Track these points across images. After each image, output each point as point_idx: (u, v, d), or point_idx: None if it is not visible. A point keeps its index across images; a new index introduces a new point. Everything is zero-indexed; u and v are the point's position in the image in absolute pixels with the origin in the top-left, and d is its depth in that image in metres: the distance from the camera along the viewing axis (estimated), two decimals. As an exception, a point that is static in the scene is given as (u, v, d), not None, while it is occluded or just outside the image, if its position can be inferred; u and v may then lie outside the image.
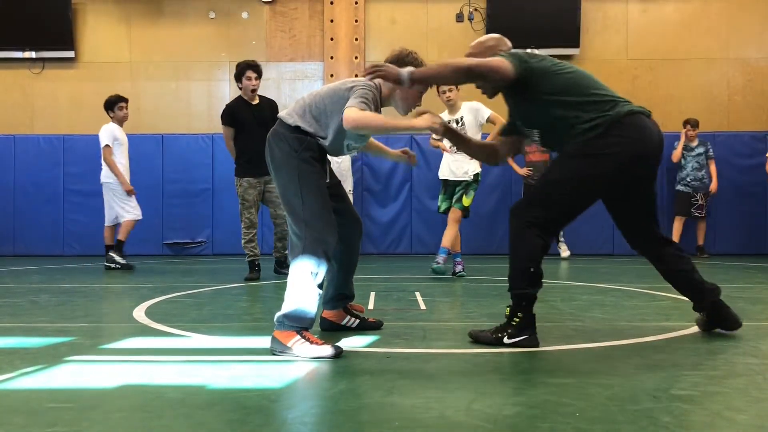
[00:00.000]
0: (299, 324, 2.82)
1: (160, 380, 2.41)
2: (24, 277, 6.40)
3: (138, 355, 2.85)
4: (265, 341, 3.06)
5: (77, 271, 7.17)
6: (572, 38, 9.67)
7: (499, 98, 3.34)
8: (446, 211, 6.55)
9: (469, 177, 6.40)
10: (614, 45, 9.90)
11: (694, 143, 8.98)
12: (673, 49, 9.85)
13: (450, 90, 6.40)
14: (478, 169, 6.42)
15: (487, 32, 9.74)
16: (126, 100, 7.80)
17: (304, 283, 2.83)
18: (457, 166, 6.46)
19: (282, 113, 3.08)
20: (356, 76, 9.87)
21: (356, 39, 9.88)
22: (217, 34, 10.01)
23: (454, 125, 6.49)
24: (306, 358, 2.70)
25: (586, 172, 2.93)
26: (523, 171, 8.48)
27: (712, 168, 8.98)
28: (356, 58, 9.87)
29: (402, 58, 3.13)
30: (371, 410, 1.99)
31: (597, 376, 2.43)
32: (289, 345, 2.77)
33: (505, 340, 2.94)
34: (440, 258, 6.24)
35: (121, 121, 7.77)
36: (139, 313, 3.97)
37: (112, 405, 2.05)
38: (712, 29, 9.87)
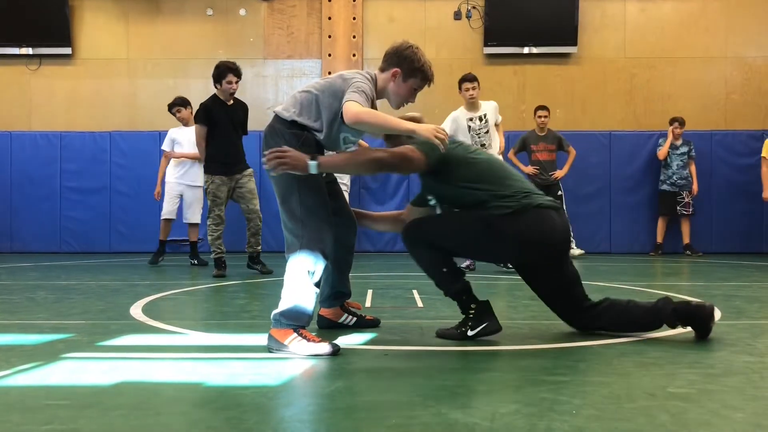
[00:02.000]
0: (296, 322, 2.82)
1: (157, 377, 2.41)
2: (21, 274, 6.39)
3: (135, 353, 2.84)
4: (262, 339, 3.06)
5: (74, 268, 7.16)
6: (570, 36, 9.67)
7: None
8: None
9: None
10: (612, 43, 9.90)
11: (679, 142, 9.01)
12: (671, 48, 9.85)
13: (474, 88, 6.51)
14: None
15: (485, 31, 9.82)
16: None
17: (301, 282, 2.82)
18: None
19: (277, 108, 3.05)
20: (354, 73, 9.87)
21: (354, 36, 9.87)
22: (215, 31, 9.99)
23: (477, 122, 6.54)
24: (303, 355, 2.70)
25: (485, 240, 3.04)
26: (529, 169, 8.41)
27: (692, 169, 9.02)
28: (354, 55, 9.86)
29: (401, 52, 3.08)
30: (368, 408, 1.99)
31: (594, 374, 2.44)
32: (285, 343, 2.77)
33: (469, 333, 3.04)
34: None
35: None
36: (136, 311, 3.96)
37: (108, 402, 2.05)
38: (710, 28, 9.88)
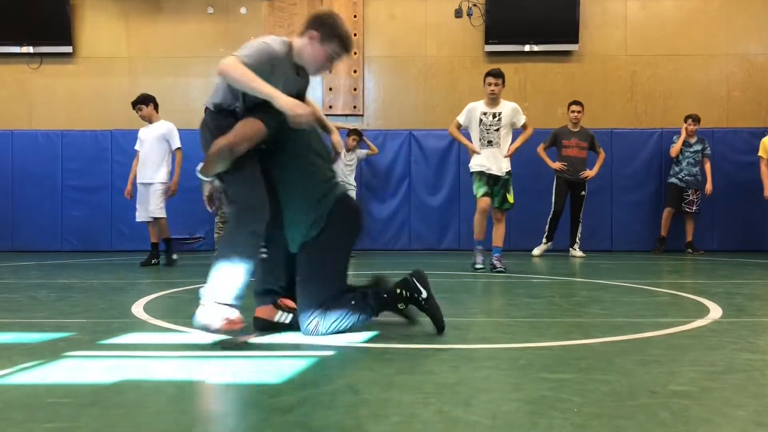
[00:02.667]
0: (223, 300, 2.88)
1: (158, 376, 2.41)
2: (22, 273, 6.40)
3: (136, 351, 2.85)
4: (264, 337, 3.07)
5: (75, 266, 7.17)
6: (571, 34, 9.66)
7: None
8: (485, 195, 6.51)
9: (503, 174, 6.52)
10: (613, 41, 9.89)
11: (693, 139, 8.92)
12: (673, 45, 9.84)
13: (496, 84, 6.48)
14: (509, 166, 6.58)
15: (486, 28, 9.80)
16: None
17: (231, 265, 2.89)
18: (490, 163, 6.51)
19: (206, 101, 3.11)
20: (354, 72, 9.86)
21: (355, 34, 9.86)
22: (216, 29, 9.99)
23: (490, 118, 6.52)
24: (217, 331, 2.83)
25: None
26: (556, 165, 8.40)
27: (707, 167, 8.91)
28: (355, 53, 9.86)
29: (322, 17, 3.14)
30: (370, 405, 1.99)
31: (595, 371, 2.43)
32: (206, 319, 2.85)
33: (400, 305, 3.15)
34: (495, 258, 6.45)
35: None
36: (138, 309, 3.97)
37: (110, 400, 2.05)
38: (712, 25, 9.86)
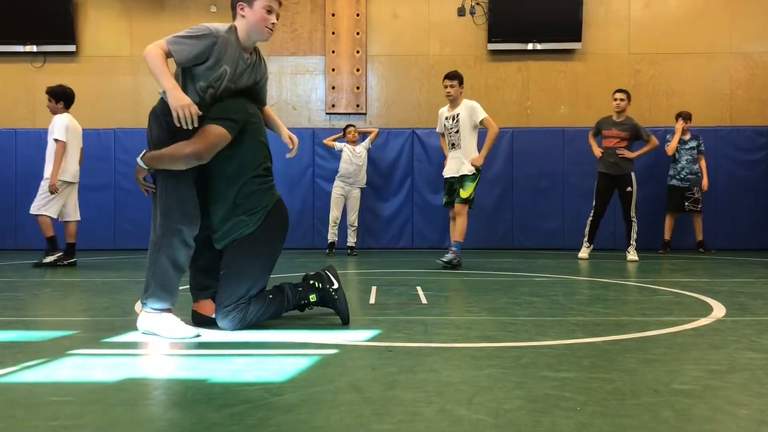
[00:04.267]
0: (160, 306, 3.05)
1: (161, 374, 2.41)
2: (26, 271, 6.41)
3: (139, 349, 2.85)
4: (266, 335, 3.07)
5: (79, 265, 7.18)
6: (574, 32, 9.64)
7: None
8: (447, 205, 6.78)
9: (462, 173, 6.57)
10: (616, 39, 9.87)
11: (687, 136, 8.84)
12: (676, 44, 9.82)
13: (451, 86, 6.55)
14: (471, 169, 6.55)
15: (489, 27, 9.80)
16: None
17: (160, 267, 3.03)
18: (451, 166, 6.71)
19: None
20: (357, 71, 9.86)
21: (358, 33, 9.86)
22: (219, 28, 9.98)
23: (450, 121, 6.60)
24: (165, 336, 2.98)
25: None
26: (598, 152, 7.97)
27: (702, 163, 8.80)
28: (358, 52, 9.86)
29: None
30: (373, 404, 1.99)
31: (598, 370, 2.43)
32: (149, 326, 3.05)
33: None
34: (451, 252, 6.48)
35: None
36: (141, 307, 3.97)
37: (113, 399, 2.05)
38: (715, 23, 9.84)
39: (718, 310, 3.83)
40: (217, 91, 3.13)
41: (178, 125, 2.96)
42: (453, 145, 6.65)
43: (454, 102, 6.64)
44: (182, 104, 2.91)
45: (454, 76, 6.61)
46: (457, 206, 6.56)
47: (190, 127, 2.95)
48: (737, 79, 9.85)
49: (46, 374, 2.38)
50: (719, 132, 9.46)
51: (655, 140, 8.01)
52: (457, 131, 6.59)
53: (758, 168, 9.45)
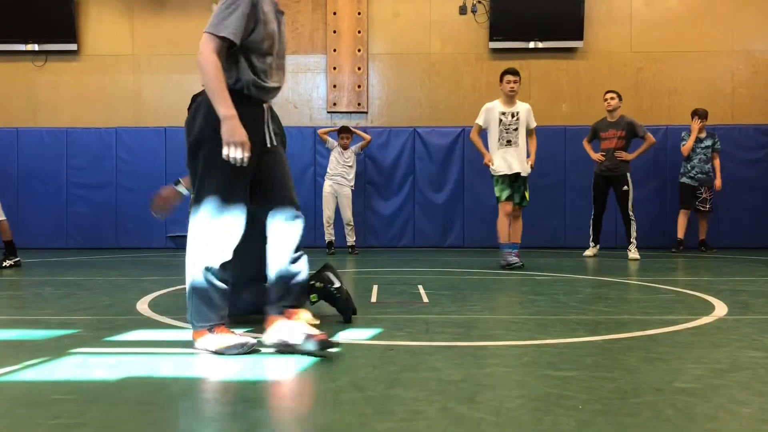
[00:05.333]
0: (206, 322, 2.72)
1: (163, 372, 2.41)
2: (28, 270, 6.42)
3: (141, 348, 2.85)
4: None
5: (80, 263, 7.19)
6: (576, 31, 9.63)
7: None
8: (511, 198, 6.59)
9: (526, 173, 6.60)
10: (618, 37, 9.86)
11: (703, 134, 8.70)
12: (678, 42, 9.81)
13: (515, 82, 6.53)
14: (529, 171, 6.64)
15: (491, 25, 9.79)
16: None
17: (204, 286, 2.71)
18: (512, 162, 6.54)
19: None
20: (358, 69, 9.86)
21: (359, 31, 9.85)
22: (220, 26, 9.98)
23: (509, 117, 6.53)
24: (214, 350, 2.65)
25: None
26: (596, 156, 8.05)
27: (716, 162, 8.66)
28: (359, 50, 9.85)
29: None
30: (374, 403, 1.99)
31: (600, 369, 2.43)
32: (200, 342, 2.71)
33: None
34: (514, 254, 6.48)
35: None
36: (143, 306, 3.98)
37: (115, 397, 2.06)
38: (717, 21, 9.82)
39: (720, 309, 3.82)
40: (274, 58, 2.82)
41: (224, 159, 2.62)
42: (509, 142, 6.52)
43: (512, 99, 6.61)
44: (237, 140, 2.59)
45: (517, 72, 6.59)
46: (518, 209, 6.63)
47: (238, 165, 2.64)
48: (739, 77, 9.83)
49: (48, 373, 2.38)
50: (721, 130, 9.43)
51: (651, 138, 7.99)
52: (516, 129, 6.54)
53: (760, 166, 9.44)
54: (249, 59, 2.76)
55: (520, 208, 6.65)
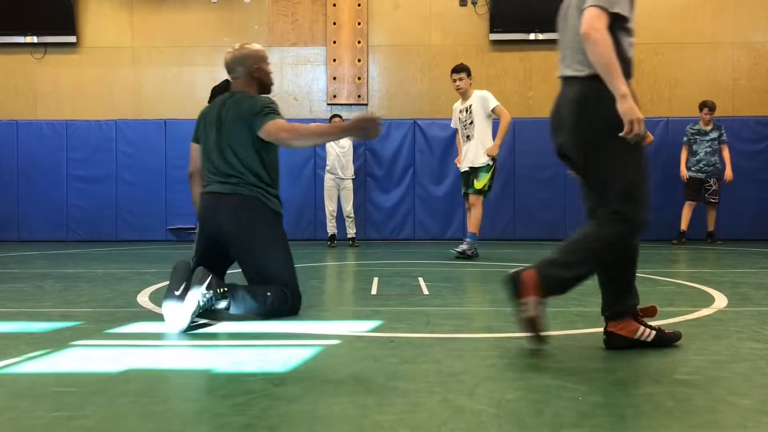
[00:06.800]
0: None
1: (164, 365, 2.42)
2: (28, 263, 6.42)
3: (142, 340, 2.86)
4: (267, 326, 3.07)
5: (81, 256, 7.19)
6: (576, 22, 9.58)
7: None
8: (464, 196, 6.76)
9: (477, 164, 6.57)
10: (619, 29, 9.81)
11: (709, 127, 8.71)
12: (678, 33, 9.78)
13: (460, 79, 6.55)
14: (486, 160, 6.56)
15: (491, 17, 9.76)
16: None
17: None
18: (467, 157, 6.67)
19: (565, 71, 2.65)
20: (359, 61, 9.83)
21: (359, 23, 9.82)
22: (220, 19, 9.96)
23: (464, 114, 6.57)
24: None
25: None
26: None
27: (725, 153, 8.62)
28: (359, 42, 9.82)
29: None
30: (375, 394, 2.00)
31: (600, 360, 2.44)
32: (636, 337, 2.59)
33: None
34: (465, 243, 6.52)
35: None
36: (143, 299, 3.98)
37: (117, 389, 2.06)
38: (718, 13, 9.79)
39: (720, 301, 3.83)
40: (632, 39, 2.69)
41: (625, 137, 2.49)
42: (467, 137, 6.60)
43: (465, 94, 6.64)
44: (637, 117, 2.46)
45: (461, 69, 6.59)
46: (471, 197, 6.59)
47: (633, 144, 2.54)
48: (740, 69, 9.81)
49: (50, 365, 2.39)
50: (722, 122, 9.41)
51: None
52: (471, 122, 6.56)
53: (761, 158, 9.43)
54: (618, 39, 2.59)
55: (476, 197, 6.57)
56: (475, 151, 6.55)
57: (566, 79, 2.68)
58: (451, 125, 6.96)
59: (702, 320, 3.25)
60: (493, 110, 6.54)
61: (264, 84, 3.66)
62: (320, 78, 9.96)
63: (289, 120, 3.69)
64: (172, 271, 3.10)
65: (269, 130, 3.34)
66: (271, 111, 3.40)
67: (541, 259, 2.59)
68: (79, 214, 9.65)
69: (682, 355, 2.51)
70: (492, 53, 9.80)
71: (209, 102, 6.19)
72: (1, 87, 10.06)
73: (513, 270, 2.58)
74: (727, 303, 3.74)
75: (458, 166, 6.79)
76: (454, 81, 6.58)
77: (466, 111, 6.60)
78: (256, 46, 3.70)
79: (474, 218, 6.57)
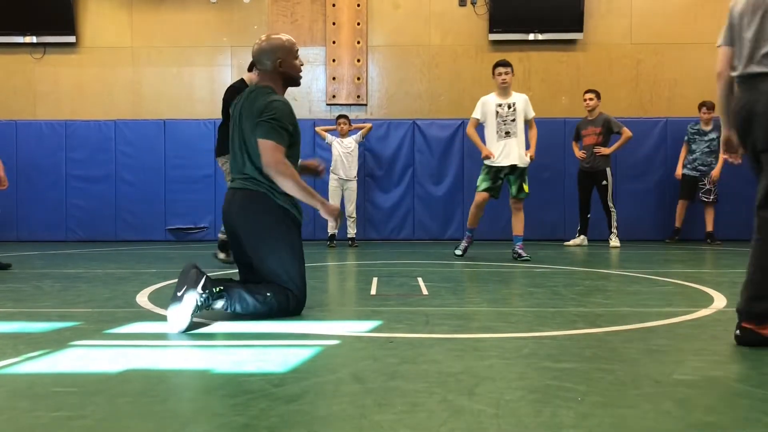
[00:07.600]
0: None
1: (163, 365, 2.42)
2: (27, 263, 6.42)
3: (141, 340, 2.86)
4: (267, 326, 3.07)
5: (80, 256, 7.19)
6: (576, 22, 9.60)
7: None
8: (489, 191, 6.56)
9: (523, 164, 6.53)
10: (618, 29, 9.83)
11: (708, 127, 8.76)
12: (678, 34, 9.78)
13: (506, 73, 6.52)
14: (528, 161, 6.59)
15: (491, 17, 9.75)
16: None
17: None
18: (509, 152, 6.50)
19: (753, 68, 2.74)
20: (358, 61, 9.83)
21: (359, 23, 9.82)
22: (219, 19, 9.96)
23: (505, 109, 6.52)
24: None
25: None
26: (579, 154, 8.45)
27: (722, 154, 8.71)
28: (359, 42, 9.82)
29: None
30: (374, 394, 2.00)
31: (599, 361, 2.44)
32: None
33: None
34: (518, 246, 6.55)
35: None
36: (143, 299, 3.98)
37: (116, 389, 2.06)
38: (717, 13, 9.78)
39: (719, 301, 3.83)
40: None
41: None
42: (507, 133, 6.50)
43: (507, 90, 6.60)
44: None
45: (508, 63, 6.58)
46: (518, 200, 6.60)
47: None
48: (739, 69, 9.79)
49: (49, 365, 2.38)
50: (721, 122, 9.41)
51: (627, 132, 8.27)
52: (514, 120, 6.53)
53: (760, 158, 9.41)
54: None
55: (519, 201, 6.63)
56: (520, 150, 6.49)
57: (755, 76, 2.83)
58: (478, 116, 6.64)
59: (701, 320, 3.25)
60: (531, 119, 6.68)
61: (291, 78, 3.56)
62: (320, 78, 9.96)
63: None
64: (180, 273, 3.11)
65: (261, 146, 3.31)
66: (273, 127, 3.30)
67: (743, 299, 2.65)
68: (78, 214, 9.64)
69: (682, 355, 2.52)
70: (491, 53, 9.79)
71: (224, 101, 6.20)
72: (0, 87, 10.06)
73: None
74: (726, 303, 3.74)
75: (491, 158, 6.45)
76: (500, 75, 6.51)
77: (509, 107, 6.54)
78: (284, 37, 3.52)
79: (522, 221, 6.64)
